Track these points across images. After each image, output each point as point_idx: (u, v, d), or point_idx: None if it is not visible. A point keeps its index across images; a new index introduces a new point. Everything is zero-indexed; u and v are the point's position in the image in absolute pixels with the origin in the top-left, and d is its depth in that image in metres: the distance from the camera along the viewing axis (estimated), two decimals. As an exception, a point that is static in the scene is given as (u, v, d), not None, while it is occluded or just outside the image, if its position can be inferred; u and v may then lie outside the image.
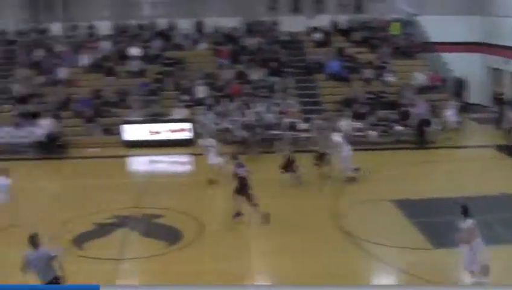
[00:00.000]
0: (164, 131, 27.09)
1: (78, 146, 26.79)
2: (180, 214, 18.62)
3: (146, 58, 31.58)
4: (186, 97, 29.08)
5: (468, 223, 13.26)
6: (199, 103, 28.71)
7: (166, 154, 25.85)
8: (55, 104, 28.56)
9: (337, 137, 21.71)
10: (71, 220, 18.23)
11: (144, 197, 20.40)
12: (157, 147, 26.34)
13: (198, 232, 17.31)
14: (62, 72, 30.38)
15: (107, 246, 16.62)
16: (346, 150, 21.33)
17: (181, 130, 27.08)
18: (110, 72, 30.55)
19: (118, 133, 27.28)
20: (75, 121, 28.20)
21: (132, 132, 26.84)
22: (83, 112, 28.21)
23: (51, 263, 12.26)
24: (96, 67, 31.13)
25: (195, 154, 25.21)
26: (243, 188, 17.56)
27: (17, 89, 29.46)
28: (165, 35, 33.20)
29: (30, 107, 28.11)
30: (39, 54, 31.83)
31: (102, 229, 17.70)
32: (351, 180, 21.17)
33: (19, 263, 12.28)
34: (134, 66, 30.92)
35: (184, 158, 25.68)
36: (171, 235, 17.11)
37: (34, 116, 27.52)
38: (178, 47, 32.66)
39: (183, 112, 27.84)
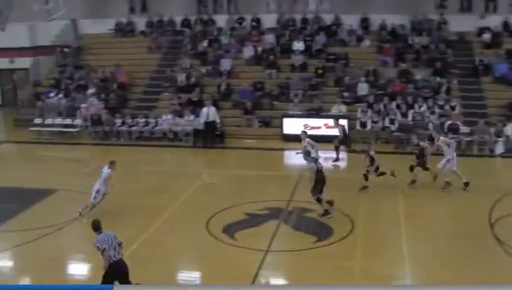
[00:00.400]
0: (322, 126, 26.71)
1: (236, 137, 27.13)
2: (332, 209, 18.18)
3: (309, 52, 31.38)
4: (346, 94, 28.57)
5: None
6: (359, 100, 28.12)
7: (322, 149, 25.45)
8: (217, 95, 29.08)
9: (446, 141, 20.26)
10: (224, 209, 18.43)
11: (297, 191, 20.13)
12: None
13: (349, 229, 16.84)
14: (225, 63, 30.89)
15: (256, 237, 16.57)
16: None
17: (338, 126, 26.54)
18: (272, 65, 30.65)
19: (276, 126, 27.32)
20: (234, 112, 28.55)
21: (291, 125, 26.69)
22: (243, 103, 28.51)
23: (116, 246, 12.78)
24: (258, 59, 31.38)
25: (350, 152, 24.85)
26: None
27: (181, 78, 30.28)
28: (329, 30, 32.84)
29: (192, 96, 28.75)
30: (204, 44, 32.57)
31: (254, 220, 17.70)
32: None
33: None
34: (297, 60, 30.82)
35: (339, 155, 25.14)
36: (321, 231, 16.78)
37: (195, 105, 28.14)
38: (341, 43, 32.21)
39: (342, 109, 27.38)
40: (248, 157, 24.81)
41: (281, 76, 30.24)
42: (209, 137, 26.50)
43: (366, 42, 32.04)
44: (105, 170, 18.09)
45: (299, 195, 19.65)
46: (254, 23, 33.94)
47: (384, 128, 26.38)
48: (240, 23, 34.21)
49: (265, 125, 27.84)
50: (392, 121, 26.17)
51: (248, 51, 31.72)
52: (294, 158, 24.93)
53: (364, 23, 32.96)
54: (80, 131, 29.07)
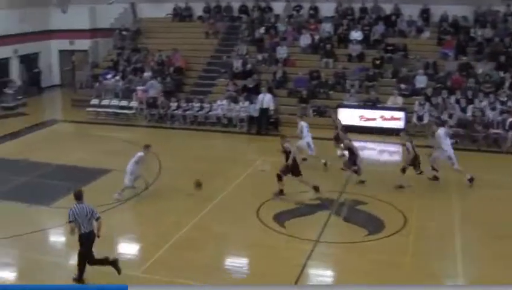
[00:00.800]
0: (377, 118, 26.34)
1: (290, 125, 26.89)
2: (385, 204, 17.92)
3: (367, 42, 30.94)
4: (403, 86, 28.06)
5: None
6: (417, 92, 27.59)
7: (376, 141, 25.17)
8: (272, 82, 28.95)
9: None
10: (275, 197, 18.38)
11: (350, 182, 19.88)
12: (368, 133, 25.70)
13: (401, 225, 16.54)
14: (282, 51, 30.71)
15: (307, 227, 16.46)
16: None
17: (394, 119, 26.18)
18: (329, 54, 30.33)
19: (331, 116, 27.05)
20: (289, 100, 28.37)
21: (346, 115, 26.36)
22: (298, 91, 28.30)
23: (91, 219, 13.31)
24: (315, 48, 31.09)
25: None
26: None
27: (237, 64, 30.24)
28: (388, 20, 32.27)
29: (247, 83, 28.68)
30: (261, 31, 32.44)
31: (305, 209, 17.61)
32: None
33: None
34: (354, 50, 30.43)
35: (394, 148, 24.77)
36: (372, 224, 16.55)
37: (251, 91, 28.06)
38: (401, 34, 31.59)
39: (398, 101, 26.92)
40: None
41: (338, 66, 29.89)
42: (263, 124, 26.37)
43: (426, 34, 31.35)
44: (138, 154, 18.22)
45: (352, 186, 19.44)
46: (312, 11, 33.59)
47: (442, 122, 25.77)
48: (298, 11, 33.92)
49: (320, 115, 27.56)
50: (450, 116, 25.56)
51: (305, 39, 31.44)
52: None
53: (425, 14, 32.23)
54: (136, 113, 29.30)
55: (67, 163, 22.13)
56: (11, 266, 14.75)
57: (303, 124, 21.88)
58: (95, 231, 13.43)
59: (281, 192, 18.48)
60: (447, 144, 19.61)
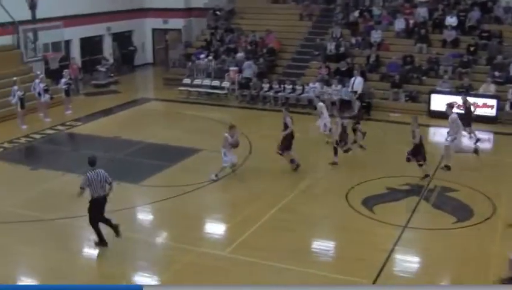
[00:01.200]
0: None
1: (382, 109, 26.73)
2: (475, 192, 17.60)
3: (462, 28, 30.17)
4: (497, 73, 27.26)
5: None
6: (511, 80, 26.77)
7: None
8: (365, 66, 28.70)
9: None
10: (365, 181, 18.35)
11: (440, 169, 19.56)
12: (460, 120, 25.06)
13: (490, 213, 16.25)
14: (376, 35, 30.35)
15: (395, 212, 16.38)
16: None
17: (486, 106, 25.52)
18: (423, 39, 29.76)
19: (423, 102, 26.64)
20: (382, 85, 28.07)
21: (438, 102, 25.87)
22: (390, 76, 27.95)
23: (104, 184, 14.03)
24: (410, 33, 30.57)
25: (497, 133, 24.08)
26: None
27: (330, 47, 30.10)
28: (484, 6, 31.31)
29: (340, 66, 28.51)
30: (355, 14, 32.14)
31: (394, 195, 17.51)
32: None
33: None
34: (449, 35, 29.74)
35: (487, 135, 24.14)
36: (462, 212, 16.33)
37: (343, 75, 27.90)
38: (497, 20, 30.61)
39: (491, 88, 26.19)
40: (393, 130, 24.34)
41: (432, 51, 29.31)
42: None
43: (523, 21, 30.33)
44: (224, 134, 18.36)
45: (442, 173, 19.13)
46: (407, -5, 33.07)
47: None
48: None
49: (412, 100, 27.16)
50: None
51: (399, 24, 30.95)
52: (439, 135, 24.32)
53: (524, 0, 31.20)
54: (227, 93, 29.63)
55: (158, 141, 22.66)
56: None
57: (321, 104, 22.37)
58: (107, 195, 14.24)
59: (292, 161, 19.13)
60: None
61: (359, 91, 26.00)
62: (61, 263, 14.00)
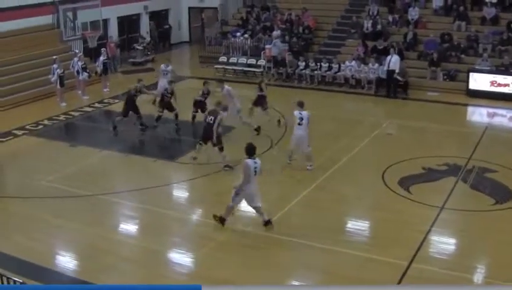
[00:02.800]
0: (510, 84, 25.25)
1: (420, 88, 26.43)
2: (513, 172, 17.36)
3: (502, 5, 29.57)
4: (540, 51, 26.77)
5: None
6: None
7: (508, 108, 24.23)
8: (402, 44, 28.37)
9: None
10: (402, 161, 18.21)
11: (479, 149, 19.34)
12: (500, 99, 24.75)
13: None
14: (413, 13, 29.95)
15: (432, 193, 16.24)
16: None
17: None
18: (461, 17, 29.25)
19: (461, 80, 26.28)
20: (419, 63, 27.74)
21: (477, 80, 25.54)
22: (428, 54, 27.59)
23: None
24: (448, 10, 30.08)
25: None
26: None
27: (367, 25, 29.80)
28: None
29: (377, 44, 28.24)
30: (393, -9, 31.78)
31: (431, 175, 17.34)
32: None
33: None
34: (489, 12, 29.20)
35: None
36: (500, 193, 16.11)
37: (380, 53, 27.64)
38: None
39: (534, 66, 25.75)
40: (430, 110, 24.07)
41: (470, 29, 28.82)
42: (392, 87, 25.94)
43: None
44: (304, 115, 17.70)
45: (481, 153, 18.87)
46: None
47: None
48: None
49: (450, 79, 26.79)
50: None
51: (438, 1, 30.43)
52: (478, 115, 24.07)
53: None
54: (263, 71, 29.58)
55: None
56: (134, 219, 15.53)
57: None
58: None
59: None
60: None
61: (397, 70, 25.71)
62: (98, 238, 14.26)
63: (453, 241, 14.32)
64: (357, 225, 14.97)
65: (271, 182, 16.93)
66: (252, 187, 13.96)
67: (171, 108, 21.57)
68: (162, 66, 25.62)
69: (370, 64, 26.94)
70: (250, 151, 13.93)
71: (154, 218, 14.92)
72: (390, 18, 30.29)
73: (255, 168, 13.86)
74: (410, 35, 28.71)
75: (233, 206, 14.31)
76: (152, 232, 14.48)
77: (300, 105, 17.68)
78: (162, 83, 24.01)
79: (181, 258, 13.57)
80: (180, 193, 17.34)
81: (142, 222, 15.15)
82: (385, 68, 26.00)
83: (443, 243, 13.98)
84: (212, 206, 15.41)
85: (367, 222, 15.34)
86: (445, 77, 26.79)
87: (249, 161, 13.84)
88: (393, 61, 25.77)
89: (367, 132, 20.93)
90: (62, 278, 12.70)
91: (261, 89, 21.48)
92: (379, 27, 29.51)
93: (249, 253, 13.50)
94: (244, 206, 15.65)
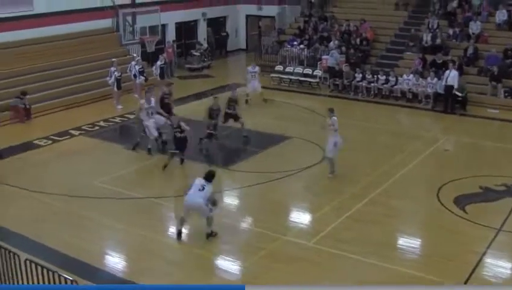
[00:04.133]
0: None
1: (479, 105, 25.79)
2: None
3: None
4: None
5: None
6: None
7: None
8: (462, 58, 27.80)
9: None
10: (458, 179, 17.73)
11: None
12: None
13: None
14: (475, 27, 29.34)
15: (489, 213, 15.77)
16: None
17: None
18: (526, 32, 28.59)
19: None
20: (479, 79, 27.09)
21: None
22: (489, 70, 26.96)
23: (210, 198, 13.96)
24: (511, 25, 29.41)
25: None
26: None
27: (426, 38, 29.32)
28: None
29: (436, 58, 27.73)
30: (453, 5, 31.17)
31: (489, 195, 16.83)
32: None
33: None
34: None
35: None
36: None
37: (439, 67, 27.13)
38: None
39: None
40: (489, 127, 23.49)
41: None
42: (450, 102, 25.41)
43: None
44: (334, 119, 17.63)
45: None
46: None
47: None
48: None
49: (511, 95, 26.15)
50: None
51: (501, 15, 29.73)
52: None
53: None
54: (319, 82, 29.36)
55: (248, 127, 22.68)
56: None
57: None
58: None
59: None
60: None
61: (455, 85, 25.17)
62: (146, 241, 14.38)
63: (510, 265, 13.79)
64: (409, 242, 14.61)
65: (323, 194, 16.78)
66: (189, 200, 13.96)
67: (236, 118, 21.59)
68: (249, 68, 26.01)
69: (428, 79, 26.43)
70: (208, 176, 14.04)
71: (203, 224, 14.89)
72: (450, 32, 29.71)
73: (203, 186, 13.83)
74: (470, 50, 28.08)
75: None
76: (200, 238, 14.39)
77: (331, 111, 17.61)
78: (252, 84, 25.12)
79: (228, 265, 13.52)
80: (232, 201, 17.25)
81: (191, 226, 15.09)
82: (443, 83, 25.48)
83: (499, 267, 13.46)
84: (264, 215, 15.28)
85: (419, 240, 15.00)
86: (506, 93, 26.09)
87: (198, 179, 13.96)
88: (452, 76, 25.21)
89: (423, 148, 20.54)
90: (108, 277, 12.86)
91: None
92: (438, 40, 28.98)
93: (297, 264, 13.32)
94: (297, 216, 15.55)
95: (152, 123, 19.97)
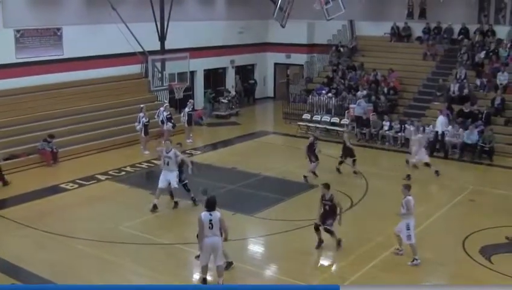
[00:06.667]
0: None
1: (506, 155, 25.66)
2: None
3: None
4: None
5: None
6: None
7: None
8: (490, 109, 27.73)
9: None
10: (484, 229, 17.66)
11: None
12: None
13: None
14: (502, 77, 29.32)
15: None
16: None
17: None
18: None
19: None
20: (507, 129, 27.00)
21: None
22: (516, 120, 26.89)
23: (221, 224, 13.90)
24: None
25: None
26: None
27: (453, 88, 29.35)
28: None
29: (464, 108, 27.70)
30: (481, 56, 31.24)
31: (514, 245, 16.64)
32: None
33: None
34: None
35: None
36: None
37: (466, 117, 27.10)
38: None
39: None
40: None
41: None
42: (477, 152, 25.31)
43: None
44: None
45: None
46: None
47: None
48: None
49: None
50: None
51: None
52: None
53: None
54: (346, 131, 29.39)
55: (274, 175, 22.82)
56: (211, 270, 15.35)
57: None
58: None
59: None
60: None
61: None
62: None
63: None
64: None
65: (350, 243, 16.67)
66: (208, 241, 13.79)
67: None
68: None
69: (455, 129, 26.33)
70: (209, 205, 13.89)
71: (230, 272, 14.85)
72: (478, 82, 29.74)
73: (210, 220, 13.70)
74: (498, 100, 28.06)
75: (202, 265, 14.23)
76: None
77: (407, 188, 16.04)
78: None
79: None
80: (257, 248, 17.20)
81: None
82: (472, 136, 25.47)
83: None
84: (289, 263, 15.24)
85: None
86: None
87: (203, 214, 13.80)
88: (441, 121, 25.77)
89: (449, 197, 20.47)
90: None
91: None
92: (466, 91, 29.00)
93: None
94: (323, 264, 15.46)
95: (166, 174, 19.54)
